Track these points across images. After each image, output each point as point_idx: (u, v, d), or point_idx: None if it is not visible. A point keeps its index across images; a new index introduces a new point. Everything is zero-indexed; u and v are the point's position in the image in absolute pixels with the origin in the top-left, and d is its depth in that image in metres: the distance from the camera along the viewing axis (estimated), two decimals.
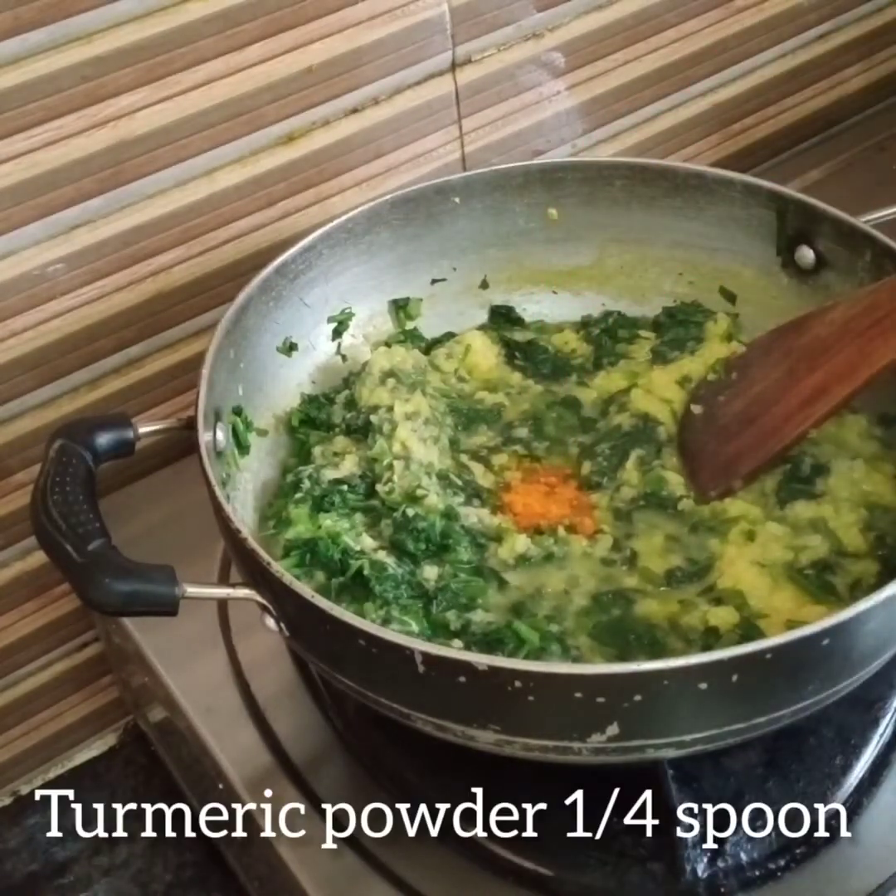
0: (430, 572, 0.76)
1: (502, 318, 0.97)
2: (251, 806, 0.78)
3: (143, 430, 0.76)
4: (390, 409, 0.84)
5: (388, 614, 0.73)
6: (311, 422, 0.88)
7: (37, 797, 1.08)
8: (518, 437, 0.88)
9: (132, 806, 1.07)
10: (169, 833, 1.04)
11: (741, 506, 0.80)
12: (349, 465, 0.83)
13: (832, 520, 0.78)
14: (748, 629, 0.71)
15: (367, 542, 0.78)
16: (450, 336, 0.95)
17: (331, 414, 0.88)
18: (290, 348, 0.89)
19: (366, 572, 0.75)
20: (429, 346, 0.94)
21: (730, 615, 0.72)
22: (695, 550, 0.79)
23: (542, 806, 0.75)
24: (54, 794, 1.08)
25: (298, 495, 0.81)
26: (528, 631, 0.72)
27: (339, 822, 0.76)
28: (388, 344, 0.92)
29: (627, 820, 0.73)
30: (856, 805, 0.75)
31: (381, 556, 0.77)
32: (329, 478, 0.82)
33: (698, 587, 0.76)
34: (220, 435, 0.79)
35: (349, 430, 0.86)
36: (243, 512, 0.80)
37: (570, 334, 0.96)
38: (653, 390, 0.89)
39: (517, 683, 0.61)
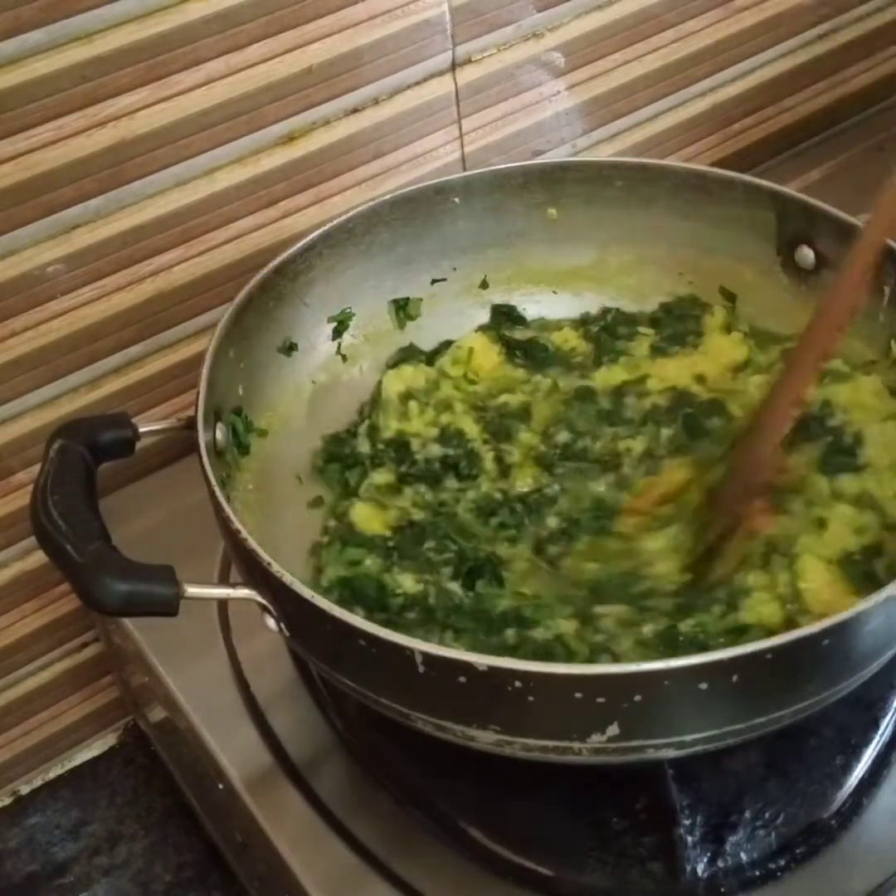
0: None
1: (504, 317, 0.97)
2: (251, 806, 0.78)
3: (143, 429, 0.76)
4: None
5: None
6: (338, 457, 0.88)
7: (37, 797, 1.08)
8: (564, 443, 0.87)
9: (132, 806, 1.07)
10: (169, 833, 1.04)
11: (812, 480, 0.79)
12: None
13: (877, 491, 0.77)
14: (789, 628, 0.70)
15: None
16: (448, 344, 0.95)
17: (355, 447, 0.88)
18: (289, 348, 0.89)
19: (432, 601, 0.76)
20: (430, 358, 0.94)
21: (775, 612, 0.72)
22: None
23: (543, 806, 0.75)
24: (54, 794, 1.08)
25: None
26: (578, 643, 0.72)
27: (339, 822, 0.76)
28: (389, 366, 0.92)
29: (627, 820, 0.73)
30: (856, 805, 0.75)
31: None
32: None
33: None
34: (220, 435, 0.79)
35: (403, 477, 0.86)
36: (243, 512, 0.80)
37: (570, 332, 0.95)
38: (666, 379, 0.89)
39: (517, 683, 0.61)
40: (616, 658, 0.72)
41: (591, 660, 0.72)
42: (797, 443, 0.81)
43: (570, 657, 0.72)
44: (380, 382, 0.91)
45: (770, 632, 0.71)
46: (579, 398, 0.90)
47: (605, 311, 0.96)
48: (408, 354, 0.94)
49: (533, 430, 0.89)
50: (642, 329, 0.94)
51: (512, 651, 0.73)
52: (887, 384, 0.84)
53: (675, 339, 0.92)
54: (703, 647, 0.71)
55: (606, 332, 0.94)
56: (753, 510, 0.78)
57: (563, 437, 0.88)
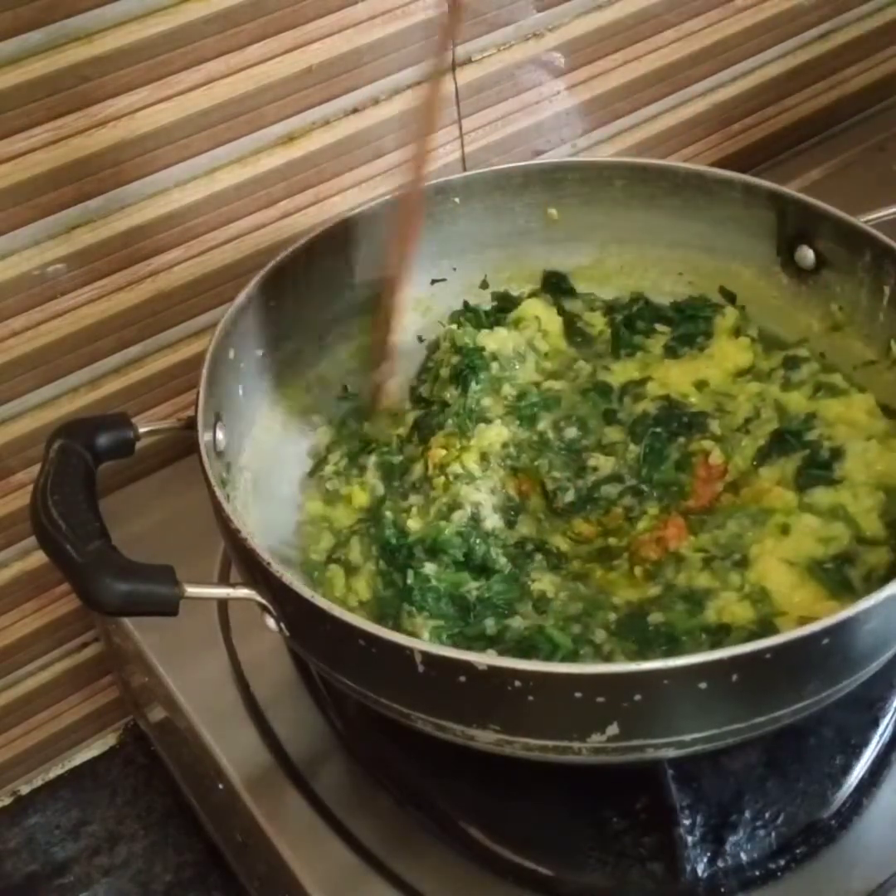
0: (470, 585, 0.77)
1: (555, 287, 0.96)
2: (251, 806, 0.78)
3: (143, 430, 0.76)
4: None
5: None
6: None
7: (37, 797, 1.08)
8: (570, 440, 0.87)
9: (132, 806, 1.07)
10: (169, 833, 1.04)
11: (778, 492, 0.79)
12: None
13: (851, 505, 0.77)
14: (765, 628, 0.71)
15: None
16: (507, 304, 0.95)
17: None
18: (290, 349, 0.89)
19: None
20: (494, 319, 0.94)
21: (747, 612, 0.72)
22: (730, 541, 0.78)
23: (543, 806, 0.75)
24: (54, 794, 1.08)
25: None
26: (562, 636, 0.72)
27: (339, 822, 0.76)
28: (457, 323, 0.92)
29: (627, 820, 0.73)
30: (856, 805, 0.75)
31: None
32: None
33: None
34: (220, 435, 0.79)
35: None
36: (243, 512, 0.80)
37: (599, 317, 0.95)
38: (667, 384, 0.89)
39: (517, 683, 0.61)
40: (597, 648, 0.72)
41: (574, 652, 0.72)
42: (771, 457, 0.82)
43: (554, 649, 0.72)
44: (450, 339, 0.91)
45: (748, 631, 0.71)
46: (597, 391, 0.90)
47: (635, 298, 0.95)
48: (472, 313, 0.94)
49: (554, 416, 0.89)
50: (659, 326, 0.94)
51: (491, 641, 0.74)
52: (881, 402, 0.84)
53: (686, 339, 0.92)
54: (672, 640, 0.72)
55: (627, 324, 0.94)
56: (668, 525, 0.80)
57: (570, 432, 0.88)
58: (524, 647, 0.72)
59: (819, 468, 0.80)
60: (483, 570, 0.78)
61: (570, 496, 0.84)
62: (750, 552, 0.76)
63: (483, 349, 0.89)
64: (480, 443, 0.84)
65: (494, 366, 0.89)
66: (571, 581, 0.79)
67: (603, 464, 0.86)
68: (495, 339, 0.90)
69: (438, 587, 0.76)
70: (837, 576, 0.74)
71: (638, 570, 0.78)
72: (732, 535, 0.78)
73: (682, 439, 0.85)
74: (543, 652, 0.72)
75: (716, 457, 0.83)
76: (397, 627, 0.74)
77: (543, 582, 0.78)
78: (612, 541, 0.82)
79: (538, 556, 0.80)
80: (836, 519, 0.77)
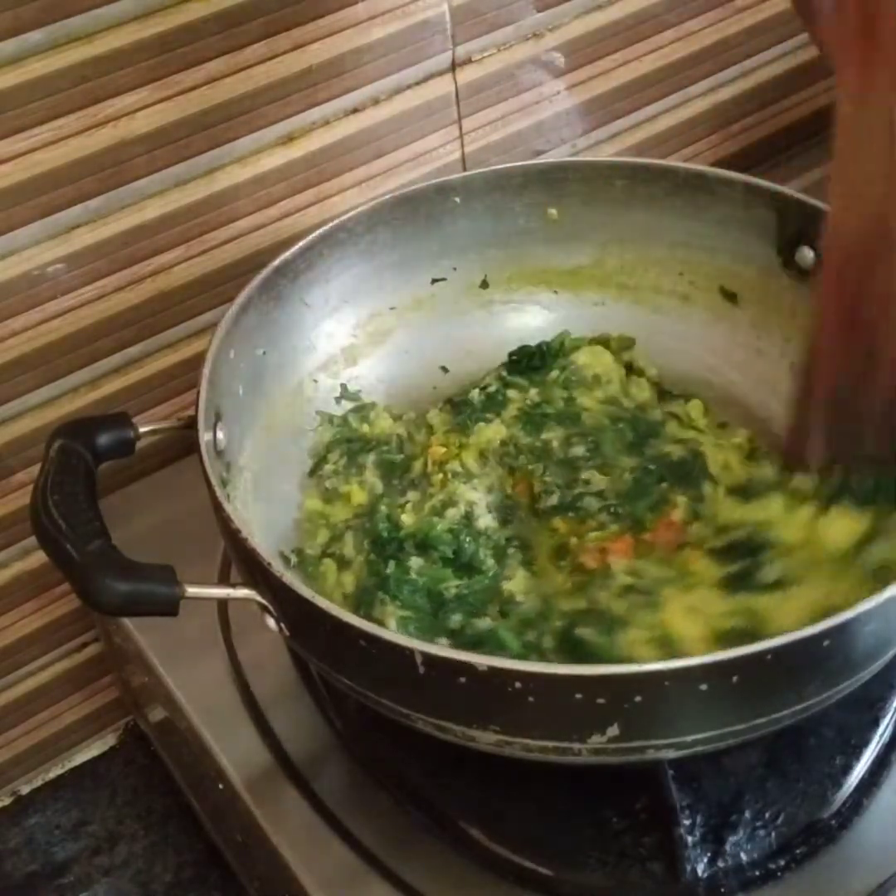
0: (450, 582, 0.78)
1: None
2: (251, 806, 0.78)
3: (143, 429, 0.76)
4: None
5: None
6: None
7: (37, 797, 1.08)
8: (573, 456, 0.87)
9: (132, 806, 1.07)
10: (169, 833, 1.04)
11: (702, 564, 0.77)
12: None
13: (775, 610, 0.71)
14: None
15: None
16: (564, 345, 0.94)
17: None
18: (290, 348, 0.89)
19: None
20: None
21: (651, 653, 0.71)
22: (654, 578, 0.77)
23: (543, 806, 0.75)
24: (54, 794, 1.08)
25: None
26: (511, 638, 0.73)
27: (340, 822, 0.76)
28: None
29: (627, 820, 0.73)
30: (856, 805, 0.75)
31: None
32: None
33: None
34: (220, 435, 0.79)
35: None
36: (243, 512, 0.80)
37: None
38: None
39: (517, 684, 0.61)
40: (543, 656, 0.72)
41: (523, 656, 0.72)
42: (721, 557, 0.77)
43: (500, 649, 0.72)
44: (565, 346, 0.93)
45: None
46: (632, 424, 0.89)
47: None
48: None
49: (567, 431, 0.88)
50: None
51: (452, 634, 0.74)
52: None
53: None
54: (598, 658, 0.71)
55: None
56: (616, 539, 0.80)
57: (577, 451, 0.87)
58: (475, 643, 0.73)
59: (755, 583, 0.74)
60: (468, 568, 0.78)
61: (553, 500, 0.84)
62: (662, 595, 0.74)
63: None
64: (479, 440, 0.85)
65: (554, 373, 0.90)
66: (538, 577, 0.79)
67: (596, 481, 0.85)
68: (592, 356, 0.91)
69: (416, 580, 0.77)
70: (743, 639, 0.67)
71: (570, 582, 0.78)
72: (658, 575, 0.76)
73: (664, 485, 0.84)
74: (490, 648, 0.72)
75: (677, 515, 0.81)
76: (369, 616, 0.75)
77: (516, 580, 0.78)
78: (572, 540, 0.81)
79: (512, 551, 0.80)
80: (750, 616, 0.72)
